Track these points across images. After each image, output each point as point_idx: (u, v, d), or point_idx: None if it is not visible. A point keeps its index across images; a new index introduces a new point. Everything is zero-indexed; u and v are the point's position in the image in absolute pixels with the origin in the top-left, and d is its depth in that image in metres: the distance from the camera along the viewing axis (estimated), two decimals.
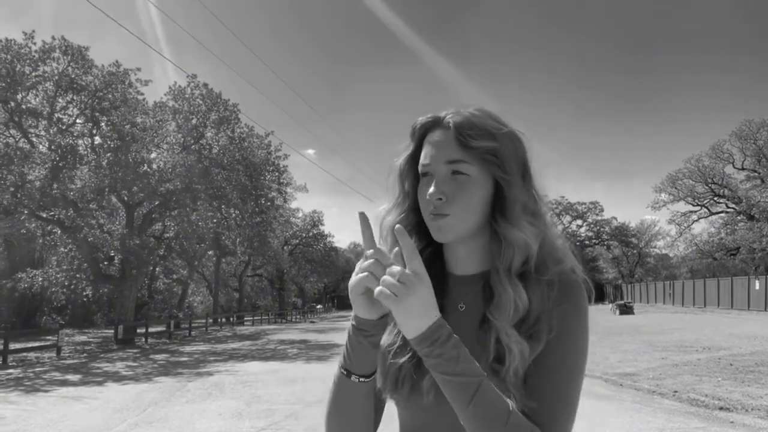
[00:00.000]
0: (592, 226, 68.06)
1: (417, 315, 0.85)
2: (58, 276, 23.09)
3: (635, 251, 66.99)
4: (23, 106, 22.00)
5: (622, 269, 67.90)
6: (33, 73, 21.76)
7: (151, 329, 25.46)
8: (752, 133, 46.53)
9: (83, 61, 22.59)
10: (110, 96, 22.98)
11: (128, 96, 23.69)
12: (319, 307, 64.09)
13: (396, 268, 0.85)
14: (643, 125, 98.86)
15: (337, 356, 1.02)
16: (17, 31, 69.20)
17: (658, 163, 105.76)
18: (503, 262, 0.97)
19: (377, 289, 0.85)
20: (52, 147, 21.31)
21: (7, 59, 20.76)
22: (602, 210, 67.94)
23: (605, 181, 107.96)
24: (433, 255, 1.07)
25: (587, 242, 67.04)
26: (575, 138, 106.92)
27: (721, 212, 51.22)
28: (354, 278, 0.91)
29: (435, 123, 1.02)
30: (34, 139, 22.86)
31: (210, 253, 37.17)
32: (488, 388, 0.87)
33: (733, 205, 49.38)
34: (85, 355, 18.15)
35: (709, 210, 51.68)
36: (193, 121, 26.05)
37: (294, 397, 8.99)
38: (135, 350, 19.67)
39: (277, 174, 32.95)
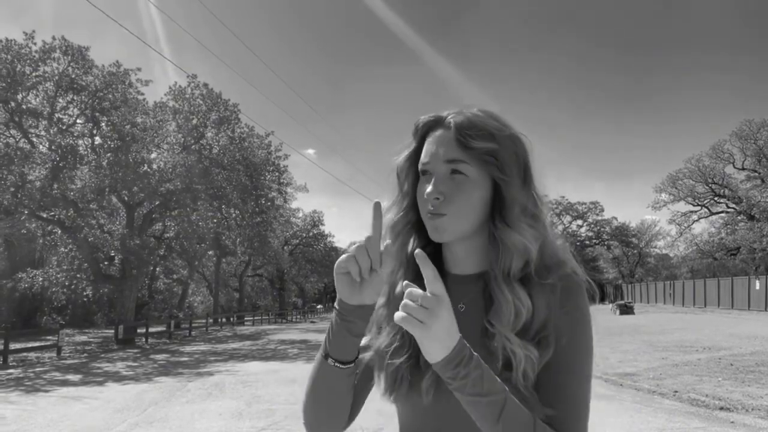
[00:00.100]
0: (592, 226, 68.06)
1: (441, 339, 0.84)
2: (59, 276, 23.09)
3: (635, 251, 66.99)
4: (23, 106, 22.01)
5: (623, 269, 67.91)
6: (33, 73, 21.76)
7: (152, 329, 25.47)
8: (752, 133, 46.52)
9: (83, 61, 22.60)
10: (110, 96, 22.98)
11: (128, 96, 23.69)
12: (319, 307, 64.11)
13: (416, 292, 0.84)
14: (643, 125, 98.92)
15: None
16: (17, 32, 69.27)
17: (659, 163, 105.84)
18: (501, 266, 0.97)
19: (400, 315, 0.83)
20: (53, 147, 21.32)
21: (8, 59, 20.76)
22: (602, 210, 67.99)
23: (605, 181, 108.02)
24: (432, 254, 1.07)
25: (587, 242, 67.04)
26: (575, 138, 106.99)
27: (722, 212, 51.23)
28: (340, 258, 0.93)
29: (437, 122, 1.02)
30: (34, 139, 22.87)
31: (210, 253, 37.16)
32: (512, 402, 0.88)
33: (734, 205, 49.38)
34: (85, 355, 18.15)
35: (709, 210, 51.69)
36: (194, 121, 26.05)
37: (294, 397, 8.99)
38: (135, 350, 19.68)
39: (277, 174, 32.94)
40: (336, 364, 0.97)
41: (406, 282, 0.87)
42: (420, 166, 1.02)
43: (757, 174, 47.41)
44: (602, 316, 32.53)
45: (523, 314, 0.94)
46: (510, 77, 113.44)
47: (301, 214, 57.04)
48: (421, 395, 0.97)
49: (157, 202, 25.42)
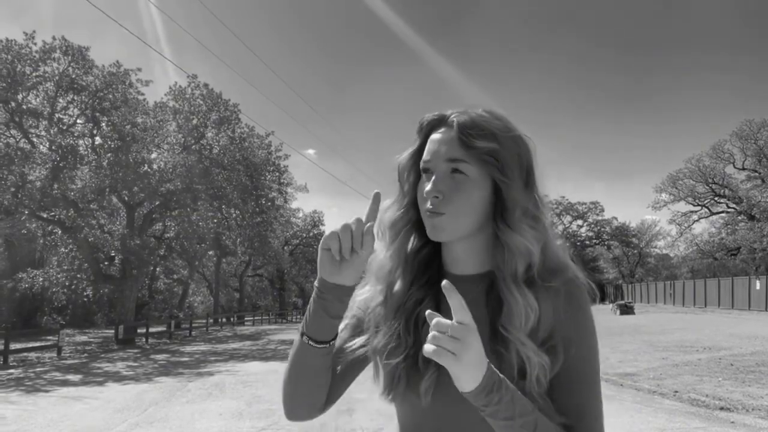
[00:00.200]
0: (592, 226, 68.05)
1: (473, 368, 0.83)
2: (59, 276, 23.11)
3: (636, 251, 66.97)
4: (24, 107, 22.02)
5: (623, 269, 67.89)
6: (33, 74, 21.77)
7: (152, 329, 25.49)
8: (753, 133, 46.51)
9: (84, 61, 22.61)
10: (111, 96, 22.99)
11: (129, 96, 23.70)
12: None
13: (444, 322, 0.83)
14: (643, 125, 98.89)
15: None
16: (18, 32, 69.31)
17: (659, 163, 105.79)
18: (508, 268, 0.97)
19: (430, 348, 0.82)
20: (53, 147, 21.32)
21: (8, 59, 20.77)
22: (603, 210, 67.95)
23: (606, 181, 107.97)
24: (432, 253, 1.07)
25: (588, 242, 67.04)
26: (575, 138, 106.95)
27: (722, 212, 51.21)
28: (325, 234, 0.94)
29: (440, 121, 1.02)
30: (34, 140, 22.88)
31: (210, 253, 37.16)
32: (542, 419, 0.89)
33: (734, 205, 49.36)
34: (85, 355, 18.16)
35: (709, 210, 51.67)
36: (194, 122, 26.05)
37: None
38: (135, 350, 19.68)
39: (277, 174, 32.94)
40: (310, 342, 0.98)
41: (429, 312, 0.86)
42: (421, 165, 1.01)
43: (757, 174, 47.39)
44: (602, 316, 32.52)
45: (531, 317, 0.94)
46: (510, 78, 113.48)
47: (301, 214, 57.09)
48: (419, 396, 0.97)
49: (157, 202, 25.43)
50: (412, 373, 0.99)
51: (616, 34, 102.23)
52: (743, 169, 48.49)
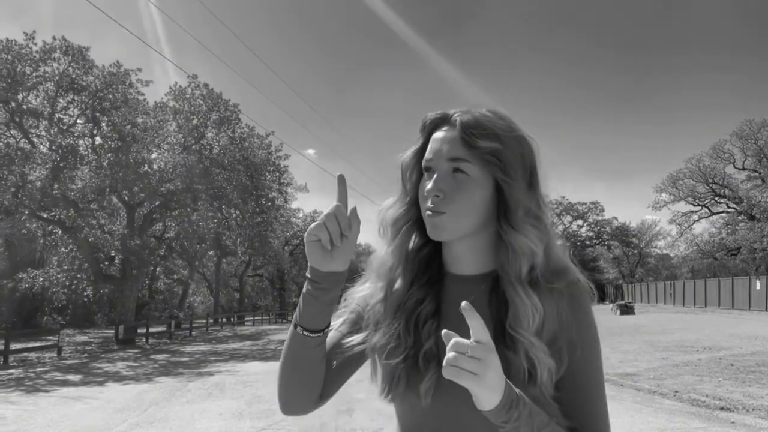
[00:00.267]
0: (592, 226, 68.06)
1: (494, 387, 0.83)
2: (59, 276, 23.11)
3: (636, 251, 66.97)
4: (24, 107, 22.03)
5: (623, 269, 67.88)
6: (34, 74, 21.78)
7: (152, 329, 25.49)
8: (753, 133, 46.50)
9: (84, 61, 22.62)
10: (111, 96, 23.00)
11: (129, 96, 23.71)
12: None
13: (463, 342, 0.82)
14: (643, 125, 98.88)
15: None
16: (18, 32, 69.32)
17: (659, 163, 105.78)
18: (513, 269, 0.96)
19: (451, 371, 0.81)
20: (53, 147, 21.33)
21: (8, 59, 20.79)
22: (603, 210, 67.98)
23: (606, 181, 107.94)
24: (432, 252, 1.07)
25: (588, 242, 67.05)
26: (576, 138, 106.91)
27: (722, 212, 51.19)
28: (311, 226, 0.94)
29: (443, 120, 1.01)
30: (34, 140, 22.89)
31: (211, 253, 37.14)
32: (557, 428, 0.89)
33: (734, 205, 49.35)
34: (85, 355, 18.16)
35: (709, 210, 51.65)
36: (194, 122, 26.06)
37: None
38: (136, 350, 19.68)
39: (277, 174, 32.94)
40: (304, 332, 0.98)
41: (446, 331, 0.85)
42: (423, 163, 1.01)
43: (757, 174, 47.38)
44: (603, 316, 32.52)
45: (537, 319, 0.94)
46: (510, 78, 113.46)
47: (301, 214, 57.05)
48: (420, 397, 0.97)
49: (157, 203, 25.43)
50: (412, 374, 0.98)
51: (617, 34, 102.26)
52: (743, 169, 48.49)
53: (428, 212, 0.97)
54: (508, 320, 0.95)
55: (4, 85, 20.61)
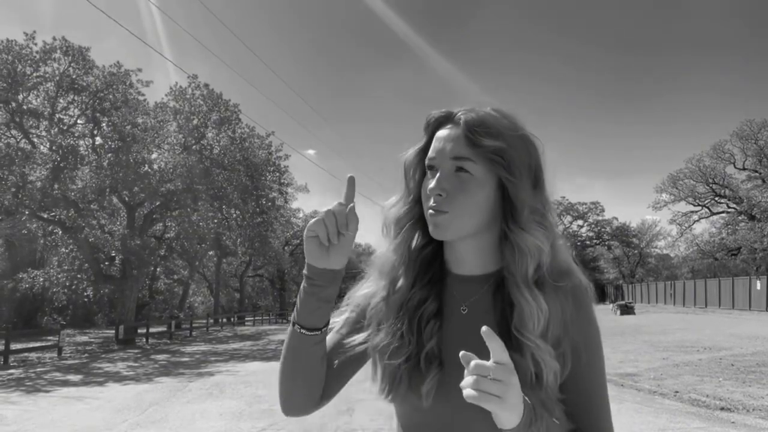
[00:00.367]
0: (592, 226, 68.05)
1: (516, 406, 0.83)
2: (59, 276, 23.12)
3: (636, 251, 66.94)
4: (24, 107, 22.04)
5: (623, 269, 67.85)
6: (34, 74, 21.79)
7: (152, 329, 25.48)
8: (753, 133, 46.49)
9: (84, 61, 22.62)
10: (111, 96, 23.00)
11: (129, 97, 23.71)
12: None
13: (485, 365, 0.81)
14: (643, 125, 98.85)
15: None
16: (18, 32, 69.33)
17: (659, 163, 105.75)
18: (519, 269, 0.96)
19: (472, 394, 0.80)
20: (53, 147, 21.33)
21: (8, 60, 20.80)
22: (603, 210, 67.97)
23: (606, 181, 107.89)
24: (435, 252, 1.06)
25: (588, 242, 67.03)
26: (576, 138, 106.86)
27: (722, 212, 51.19)
28: (310, 222, 0.94)
29: (447, 118, 1.00)
30: (35, 140, 22.90)
31: (211, 253, 37.16)
32: None
33: (734, 206, 49.34)
34: (86, 355, 18.16)
35: (710, 210, 51.64)
36: (194, 122, 26.06)
37: None
38: (136, 350, 19.68)
39: (278, 174, 32.95)
40: (302, 330, 0.98)
41: (463, 353, 0.83)
42: (426, 162, 1.00)
43: (757, 174, 47.37)
44: (603, 316, 32.51)
45: (542, 320, 0.93)
46: (511, 78, 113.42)
47: (301, 215, 57.05)
48: (421, 397, 0.96)
49: (157, 203, 25.43)
50: (414, 375, 0.98)
51: (617, 34, 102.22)
52: (744, 169, 48.48)
53: (430, 211, 0.96)
54: (513, 322, 0.94)
55: (5, 85, 20.62)
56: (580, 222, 67.98)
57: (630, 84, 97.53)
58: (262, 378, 11.42)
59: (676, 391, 8.47)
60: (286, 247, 52.55)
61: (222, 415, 7.84)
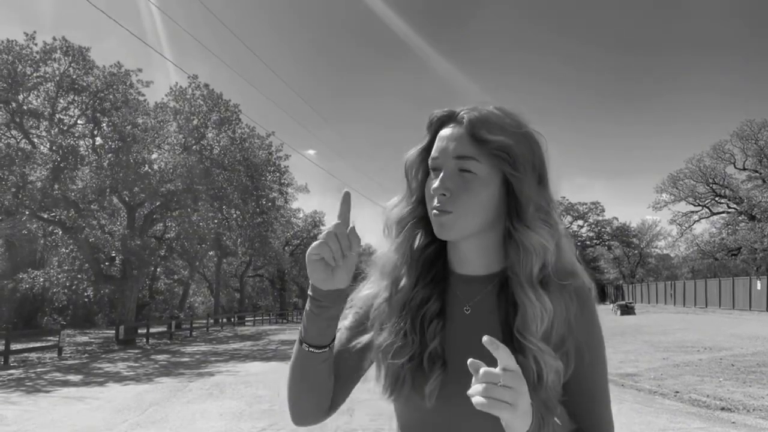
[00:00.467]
0: (593, 226, 68.05)
1: (526, 413, 0.82)
2: (60, 276, 23.12)
3: (636, 251, 66.94)
4: (24, 107, 22.05)
5: (623, 269, 67.85)
6: (34, 74, 21.81)
7: (153, 330, 25.48)
8: (753, 134, 46.49)
9: (84, 61, 22.63)
10: (111, 97, 23.01)
11: (129, 97, 23.72)
12: None
13: (494, 372, 0.80)
14: (644, 125, 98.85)
15: None
16: (18, 32, 69.35)
17: (660, 163, 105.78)
18: (523, 269, 0.95)
19: (482, 401, 0.79)
20: (54, 148, 21.34)
21: (9, 60, 20.81)
22: (603, 210, 68.00)
23: (606, 181, 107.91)
24: (437, 251, 1.05)
25: (588, 242, 67.02)
26: (576, 138, 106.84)
27: (723, 212, 51.19)
28: (312, 245, 0.92)
29: (450, 117, 0.99)
30: (35, 140, 22.90)
31: (211, 253, 37.17)
32: None
33: (735, 206, 49.34)
34: (86, 355, 18.16)
35: (710, 210, 51.64)
36: (194, 122, 26.08)
37: None
38: (136, 351, 19.68)
39: (278, 174, 32.97)
40: (310, 349, 0.97)
41: (471, 360, 0.83)
42: (429, 162, 0.99)
43: (758, 174, 47.37)
44: (603, 316, 32.06)
45: (546, 320, 0.93)
46: (511, 79, 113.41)
47: (301, 215, 57.12)
48: (423, 398, 0.96)
49: (158, 203, 25.44)
50: (417, 375, 0.97)
51: (617, 34, 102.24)
52: (744, 169, 48.48)
53: (435, 211, 0.96)
54: (516, 324, 0.94)
55: (5, 85, 20.63)
56: (580, 222, 67.98)
57: (630, 84, 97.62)
58: (263, 378, 11.42)
59: (677, 392, 8.47)
60: (286, 247, 52.56)
61: (222, 415, 7.83)
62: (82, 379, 12.22)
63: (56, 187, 21.43)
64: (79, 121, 23.90)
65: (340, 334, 1.08)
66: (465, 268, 1.03)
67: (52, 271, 23.80)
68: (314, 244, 0.92)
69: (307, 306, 0.97)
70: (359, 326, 1.08)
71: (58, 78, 22.18)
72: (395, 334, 1.00)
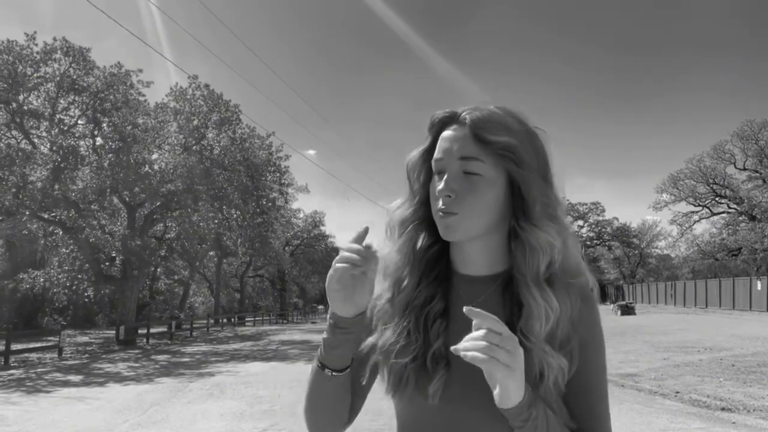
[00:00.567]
0: (593, 226, 68.03)
1: (520, 381, 0.83)
2: (60, 277, 23.12)
3: (637, 252, 66.90)
4: (25, 107, 22.05)
5: (624, 270, 67.81)
6: (35, 74, 21.81)
7: (153, 330, 25.48)
8: (754, 134, 46.48)
9: (85, 62, 22.64)
10: (112, 97, 23.02)
11: (130, 97, 23.72)
12: (320, 307, 64.12)
13: (496, 331, 0.81)
14: (644, 125, 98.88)
15: None
16: (19, 32, 69.34)
17: (660, 164, 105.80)
18: (530, 268, 0.95)
19: (482, 357, 0.80)
20: (54, 148, 21.35)
21: (9, 60, 20.82)
22: (603, 210, 68.01)
23: (606, 182, 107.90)
24: (440, 251, 1.05)
25: (588, 243, 66.95)
26: (576, 138, 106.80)
27: (723, 213, 51.17)
28: (333, 270, 0.90)
29: (452, 118, 0.99)
30: (35, 140, 22.91)
31: (211, 253, 37.20)
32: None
33: (735, 206, 49.32)
34: (86, 355, 18.16)
35: (710, 210, 51.62)
36: (195, 122, 26.08)
37: (296, 398, 8.99)
38: (136, 351, 19.69)
39: (278, 175, 32.98)
40: (334, 373, 0.97)
41: (468, 308, 0.83)
42: (433, 163, 0.98)
43: (758, 174, 47.35)
44: (604, 316, 32.23)
45: (551, 319, 0.92)
46: (511, 79, 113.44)
47: (302, 215, 57.11)
48: (427, 397, 0.96)
49: (158, 203, 25.44)
50: (421, 374, 0.97)
51: (617, 34, 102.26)
52: (744, 169, 48.46)
53: (440, 213, 0.95)
54: (520, 324, 0.94)
55: (5, 85, 20.63)
56: (580, 222, 67.95)
57: (630, 84, 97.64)
58: (263, 378, 11.42)
59: (677, 392, 8.47)
60: (286, 248, 52.58)
61: (223, 415, 7.84)
62: (82, 380, 12.23)
63: (57, 187, 21.44)
64: (79, 122, 23.91)
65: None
66: (468, 268, 1.03)
67: (52, 271, 23.79)
68: (333, 276, 0.90)
69: (329, 334, 0.95)
70: (365, 328, 1.07)
71: (58, 78, 22.18)
72: (398, 334, 1.00)
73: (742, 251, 45.91)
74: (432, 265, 1.04)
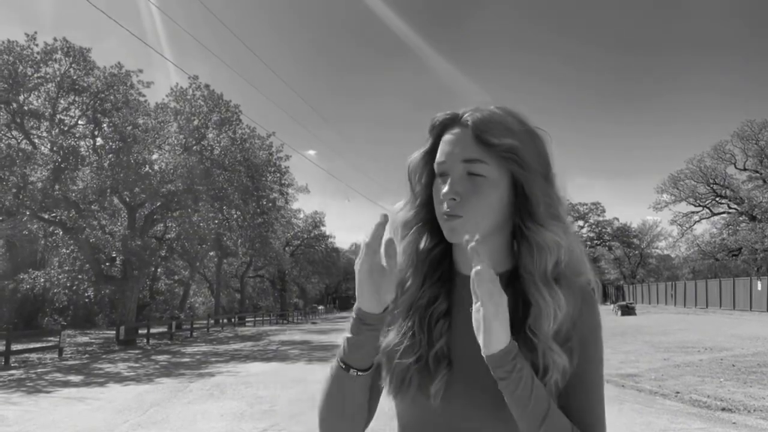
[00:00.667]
0: (593, 226, 68.00)
1: (506, 322, 0.84)
2: (60, 277, 23.12)
3: (637, 252, 66.88)
4: (25, 108, 22.07)
5: (624, 270, 67.79)
6: (35, 75, 21.83)
7: (153, 330, 25.48)
8: (754, 134, 46.47)
9: (85, 62, 22.66)
10: (112, 97, 23.03)
11: (130, 97, 23.74)
12: (320, 308, 64.19)
13: (487, 269, 0.85)
14: (644, 126, 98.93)
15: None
16: (19, 33, 69.34)
17: (660, 164, 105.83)
18: (538, 267, 0.95)
19: (485, 286, 0.84)
20: (54, 148, 21.36)
21: (10, 60, 20.83)
22: (604, 211, 67.99)
23: (606, 182, 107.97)
24: (443, 252, 1.05)
25: (589, 243, 66.94)
26: (577, 138, 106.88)
27: (723, 213, 51.16)
28: (362, 261, 0.88)
29: (453, 120, 0.99)
30: (36, 141, 22.92)
31: (212, 254, 37.18)
32: (554, 407, 0.89)
33: (735, 206, 49.31)
34: (86, 356, 18.16)
35: (710, 211, 51.61)
36: (195, 123, 26.09)
37: (296, 398, 8.99)
38: (137, 351, 19.69)
39: (278, 175, 32.98)
40: (359, 373, 0.94)
41: (471, 245, 0.86)
42: (435, 166, 0.98)
43: (758, 174, 47.34)
44: (604, 316, 32.30)
45: (559, 317, 0.93)
46: (511, 79, 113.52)
47: (302, 215, 57.11)
48: (429, 398, 0.96)
49: (158, 203, 25.45)
50: (423, 375, 0.97)
51: (617, 35, 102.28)
52: (744, 169, 48.45)
53: (444, 216, 0.95)
54: (528, 322, 0.94)
55: (6, 86, 20.65)
56: (580, 223, 67.91)
57: (630, 84, 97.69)
58: (263, 379, 11.42)
59: (677, 392, 8.47)
60: (286, 248, 52.59)
61: (223, 415, 7.83)
62: (82, 380, 12.23)
63: (57, 187, 21.44)
64: (79, 122, 23.92)
65: None
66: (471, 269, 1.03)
67: (52, 271, 23.80)
68: (364, 274, 0.89)
69: (353, 334, 0.93)
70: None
71: (58, 79, 22.20)
72: (402, 335, 1.00)
73: (742, 251, 45.90)
74: (435, 266, 1.04)
